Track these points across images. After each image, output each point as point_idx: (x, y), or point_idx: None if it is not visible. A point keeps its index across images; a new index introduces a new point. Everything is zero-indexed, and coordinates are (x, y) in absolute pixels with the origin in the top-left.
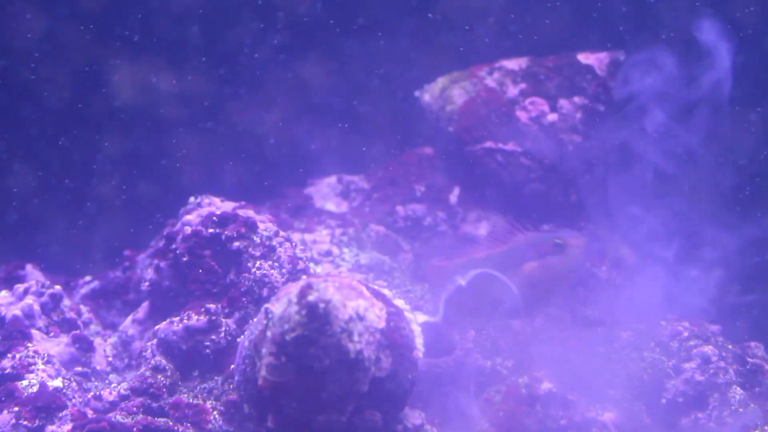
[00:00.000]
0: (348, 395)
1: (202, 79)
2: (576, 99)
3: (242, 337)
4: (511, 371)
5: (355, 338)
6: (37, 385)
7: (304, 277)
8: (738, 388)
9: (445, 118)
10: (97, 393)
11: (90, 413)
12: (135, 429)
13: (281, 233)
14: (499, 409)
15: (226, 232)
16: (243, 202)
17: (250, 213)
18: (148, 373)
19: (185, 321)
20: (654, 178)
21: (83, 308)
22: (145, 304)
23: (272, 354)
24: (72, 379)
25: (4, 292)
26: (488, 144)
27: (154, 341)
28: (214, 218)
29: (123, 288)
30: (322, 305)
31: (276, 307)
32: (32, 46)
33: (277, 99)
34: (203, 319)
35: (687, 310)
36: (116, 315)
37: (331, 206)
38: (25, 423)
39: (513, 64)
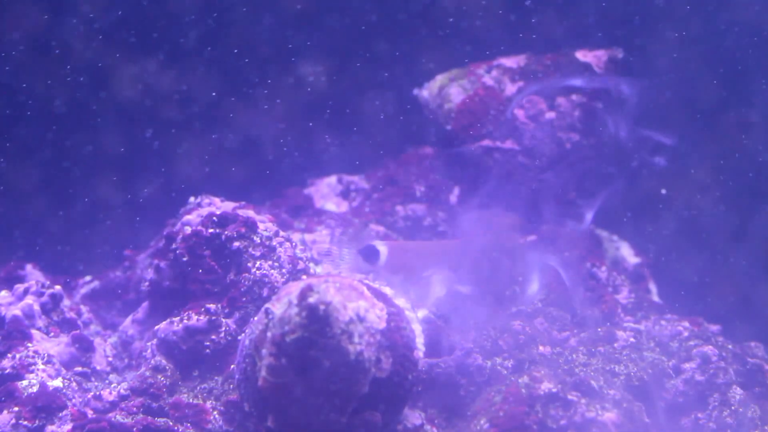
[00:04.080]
0: (348, 396)
1: (202, 78)
2: (574, 97)
3: (243, 335)
4: (511, 371)
5: (356, 340)
6: (37, 385)
7: (305, 277)
8: (738, 388)
9: (443, 117)
10: (97, 393)
11: (90, 413)
12: (135, 429)
13: (281, 233)
14: (499, 409)
15: (226, 232)
16: (243, 202)
17: (250, 213)
18: (148, 373)
19: (185, 321)
20: None
21: (83, 308)
22: (145, 304)
23: (272, 355)
24: (72, 379)
25: (4, 292)
26: (486, 142)
27: (154, 341)
28: (214, 218)
29: (123, 288)
30: (322, 307)
31: (276, 308)
32: (32, 45)
33: (278, 99)
34: (203, 319)
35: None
36: (116, 315)
37: (331, 206)
38: (25, 423)
39: (511, 61)
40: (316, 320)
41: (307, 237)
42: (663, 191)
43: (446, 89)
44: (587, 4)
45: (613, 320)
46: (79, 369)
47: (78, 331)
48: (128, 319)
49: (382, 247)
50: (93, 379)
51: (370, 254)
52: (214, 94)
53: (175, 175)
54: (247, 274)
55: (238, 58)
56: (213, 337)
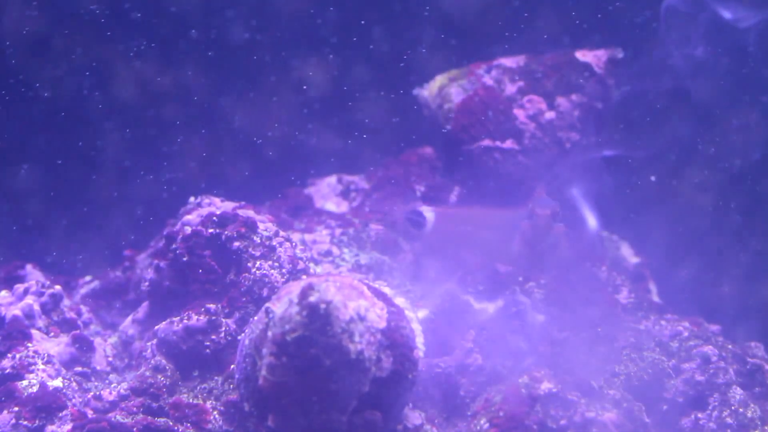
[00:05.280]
0: (348, 395)
1: (202, 78)
2: (574, 97)
3: (243, 335)
4: (511, 371)
5: (356, 339)
6: (37, 385)
7: (305, 277)
8: (738, 388)
9: (443, 117)
10: (97, 393)
11: (90, 413)
12: (135, 429)
13: (281, 233)
14: (499, 409)
15: (226, 232)
16: (243, 202)
17: (250, 213)
18: (148, 373)
19: (185, 321)
20: None
21: (83, 308)
22: (145, 304)
23: (273, 354)
24: (72, 379)
25: (4, 292)
26: (486, 142)
27: (154, 341)
28: (214, 218)
29: (123, 288)
30: (323, 306)
31: (277, 307)
32: (32, 44)
33: (277, 98)
34: (203, 319)
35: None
36: (116, 315)
37: (331, 206)
38: (25, 423)
39: (511, 61)
40: (317, 319)
41: (307, 237)
42: (653, 178)
43: (446, 89)
44: (588, 3)
45: (613, 320)
46: (79, 369)
47: (78, 331)
48: (128, 319)
49: (429, 213)
50: (93, 379)
51: (416, 219)
52: (214, 93)
53: (175, 175)
54: (247, 274)
55: (238, 57)
56: (213, 337)
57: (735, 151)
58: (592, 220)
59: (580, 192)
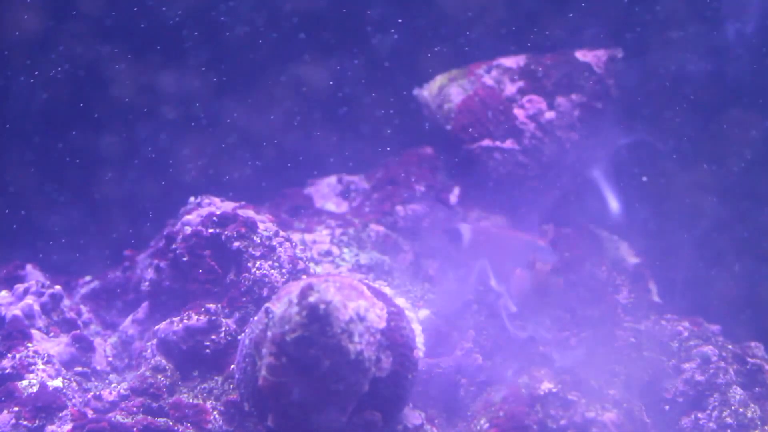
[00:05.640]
0: (348, 395)
1: (202, 78)
2: (574, 96)
3: (243, 334)
4: (510, 371)
5: (356, 339)
6: (37, 385)
7: (305, 277)
8: (738, 388)
9: (443, 117)
10: (97, 393)
11: (90, 413)
12: (135, 429)
13: (281, 233)
14: (499, 409)
15: (226, 232)
16: (243, 202)
17: (250, 213)
18: (148, 373)
19: (185, 321)
20: None
21: (83, 308)
22: (145, 304)
23: (272, 354)
24: (72, 379)
25: (4, 292)
26: (486, 142)
27: (154, 341)
28: (214, 218)
29: (123, 288)
30: (322, 306)
31: (277, 307)
32: (31, 44)
33: (277, 98)
34: (203, 319)
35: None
36: (116, 315)
37: (331, 206)
38: (25, 423)
39: (511, 61)
40: (317, 319)
41: (307, 237)
42: (644, 179)
43: (446, 89)
44: (587, 3)
45: (613, 320)
46: (79, 369)
47: (78, 331)
48: (128, 319)
49: (466, 230)
50: (93, 379)
51: (453, 235)
52: (213, 93)
53: (175, 175)
54: (247, 274)
55: (238, 57)
56: (213, 337)
57: (743, 147)
58: (614, 203)
59: (601, 175)
